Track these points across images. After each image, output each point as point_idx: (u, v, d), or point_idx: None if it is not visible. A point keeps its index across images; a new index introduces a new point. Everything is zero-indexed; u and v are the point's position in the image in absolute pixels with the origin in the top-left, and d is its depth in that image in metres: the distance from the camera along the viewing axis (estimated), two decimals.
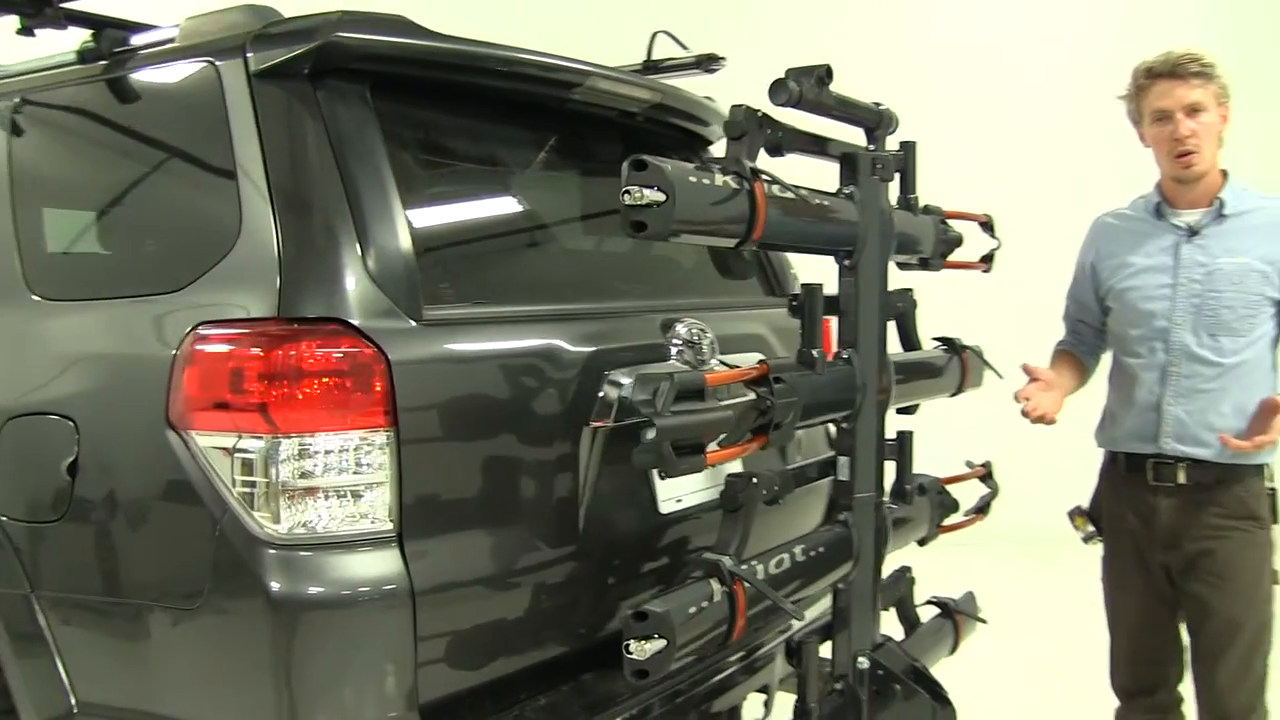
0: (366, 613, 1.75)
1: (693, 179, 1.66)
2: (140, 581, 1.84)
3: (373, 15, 2.00)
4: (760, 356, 2.48)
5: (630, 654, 1.61)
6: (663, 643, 1.61)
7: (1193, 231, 2.46)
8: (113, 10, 2.42)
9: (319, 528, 1.73)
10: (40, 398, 1.97)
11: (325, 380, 1.73)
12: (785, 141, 1.99)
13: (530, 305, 2.14)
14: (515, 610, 1.98)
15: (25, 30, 2.36)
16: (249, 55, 1.96)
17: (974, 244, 2.70)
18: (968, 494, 2.79)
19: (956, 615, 2.64)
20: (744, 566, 1.83)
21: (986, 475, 2.77)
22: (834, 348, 2.76)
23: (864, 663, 2.16)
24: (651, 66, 2.90)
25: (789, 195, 1.88)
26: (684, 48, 2.93)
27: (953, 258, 2.63)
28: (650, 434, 1.57)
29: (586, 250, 2.57)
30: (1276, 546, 2.47)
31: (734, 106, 1.89)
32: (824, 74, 1.95)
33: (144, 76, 2.20)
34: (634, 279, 2.55)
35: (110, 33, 2.31)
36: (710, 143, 2.92)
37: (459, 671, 1.88)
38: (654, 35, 2.92)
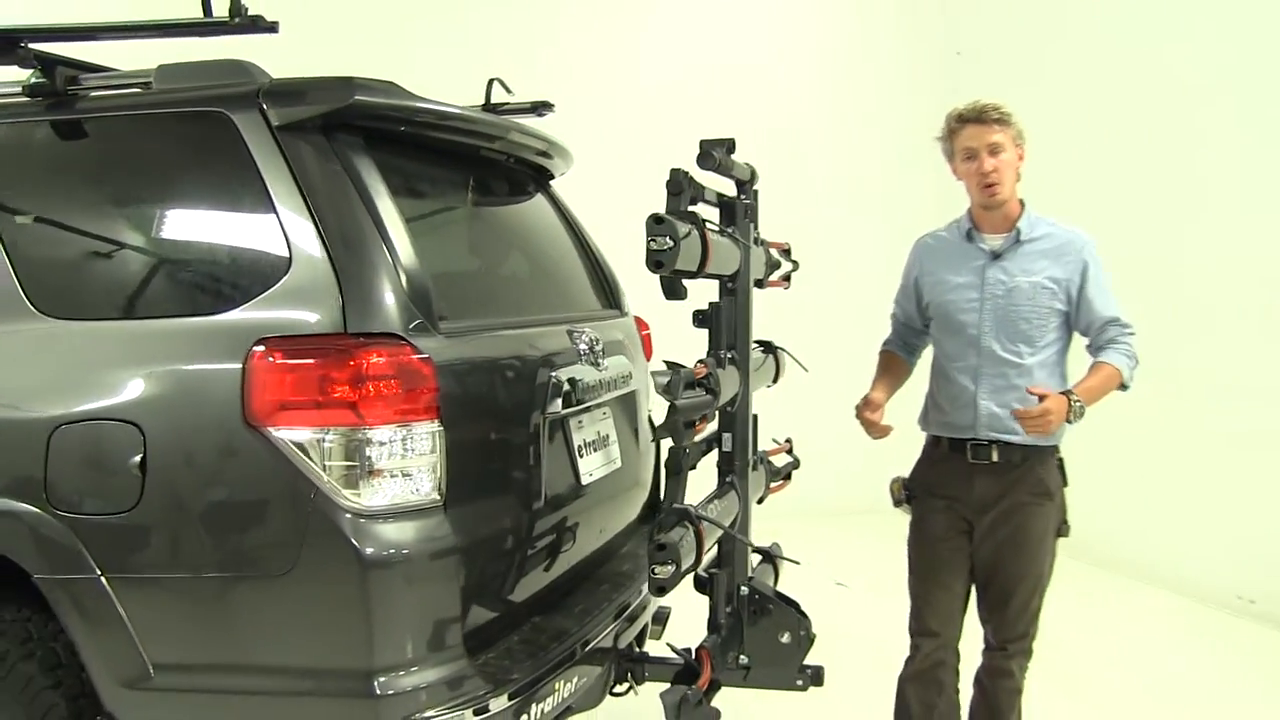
0: (430, 565, 2.29)
1: (683, 230, 2.37)
2: (220, 555, 2.25)
3: (374, 81, 2.51)
4: (621, 357, 3.25)
5: (655, 575, 2.31)
6: (673, 566, 2.31)
7: (996, 254, 3.04)
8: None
9: (392, 500, 2.25)
10: (95, 406, 2.30)
11: (395, 381, 2.25)
12: (698, 194, 2.73)
13: (493, 318, 2.74)
14: (508, 561, 2.59)
15: None
16: (267, 109, 2.41)
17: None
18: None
19: (776, 560, 3.48)
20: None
21: (789, 449, 3.64)
22: (653, 354, 3.58)
23: (745, 590, 2.94)
24: (491, 109, 3.47)
25: (717, 237, 2.63)
26: (510, 92, 3.54)
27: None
28: (673, 413, 2.26)
29: (510, 271, 3.18)
30: (1068, 504, 3.12)
31: (674, 169, 2.61)
32: (730, 145, 2.72)
33: (129, 118, 2.58)
34: (540, 295, 3.19)
35: (64, 70, 2.64)
36: (554, 175, 3.58)
37: (478, 612, 2.46)
38: (490, 82, 3.49)
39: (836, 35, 7.71)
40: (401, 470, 2.28)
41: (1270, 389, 5.26)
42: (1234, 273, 5.51)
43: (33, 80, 2.66)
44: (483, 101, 3.43)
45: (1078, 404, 2.90)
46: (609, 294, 3.60)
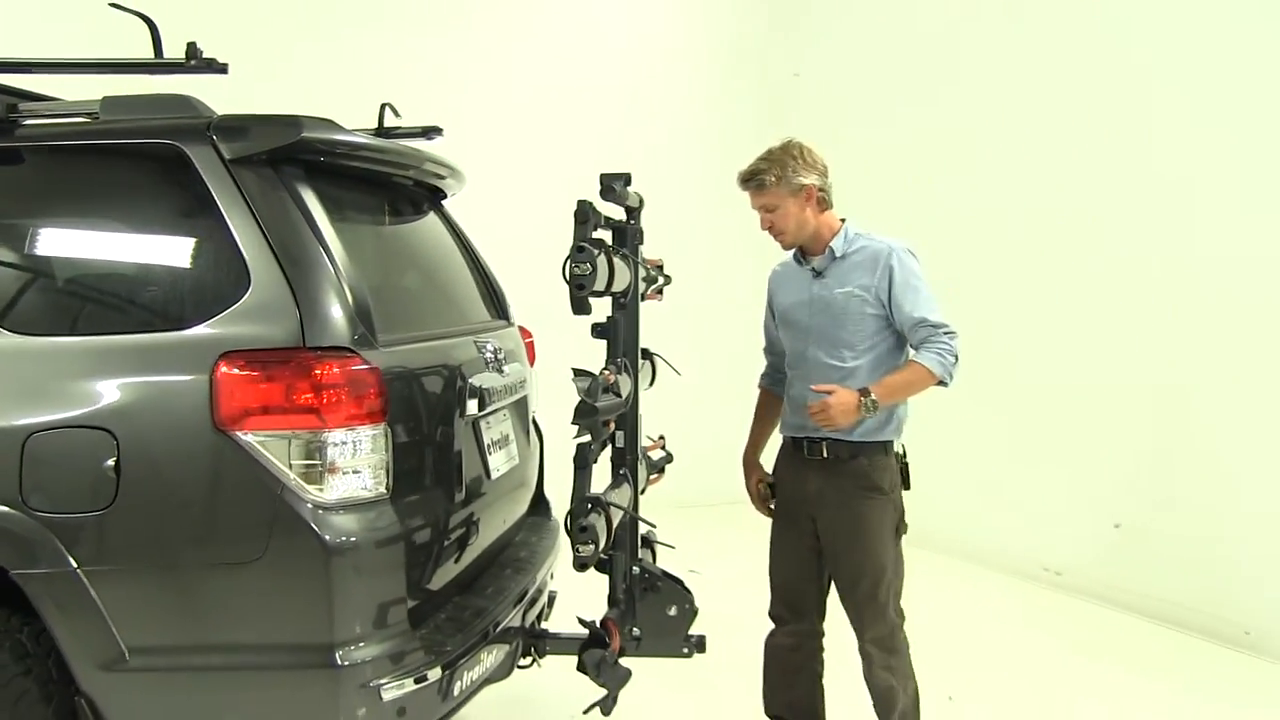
0: (380, 551, 2.68)
1: (602, 256, 2.83)
2: (194, 546, 2.59)
3: (317, 118, 2.88)
4: (518, 364, 3.70)
5: (579, 553, 2.77)
6: (593, 545, 2.78)
7: (818, 272, 3.41)
8: None
9: (348, 494, 2.64)
10: (67, 415, 2.60)
11: (349, 389, 2.64)
12: (598, 222, 3.20)
13: (415, 331, 3.13)
14: (438, 547, 3.00)
15: None
16: (219, 143, 2.76)
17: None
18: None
19: (653, 544, 3.99)
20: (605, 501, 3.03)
21: (663, 445, 4.14)
22: (536, 359, 4.05)
23: (635, 570, 3.43)
24: (384, 133, 3.83)
25: (618, 261, 3.11)
26: (399, 116, 3.93)
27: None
28: (593, 413, 2.73)
29: (420, 286, 3.57)
30: (904, 505, 3.43)
31: (581, 201, 3.07)
32: (627, 179, 3.21)
33: (86, 147, 2.88)
34: (446, 308, 3.60)
35: (3, 98, 2.92)
36: (446, 195, 3.99)
37: (416, 591, 2.86)
38: (382, 107, 3.87)
39: (683, 60, 8.36)
40: (356, 467, 2.66)
41: (1068, 384, 6.12)
42: (1034, 271, 6.34)
43: None
44: (375, 125, 3.81)
45: (868, 399, 3.21)
46: (498, 305, 4.04)
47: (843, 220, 3.49)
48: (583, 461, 3.08)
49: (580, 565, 2.83)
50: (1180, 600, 5.52)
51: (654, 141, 7.83)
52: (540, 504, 4.12)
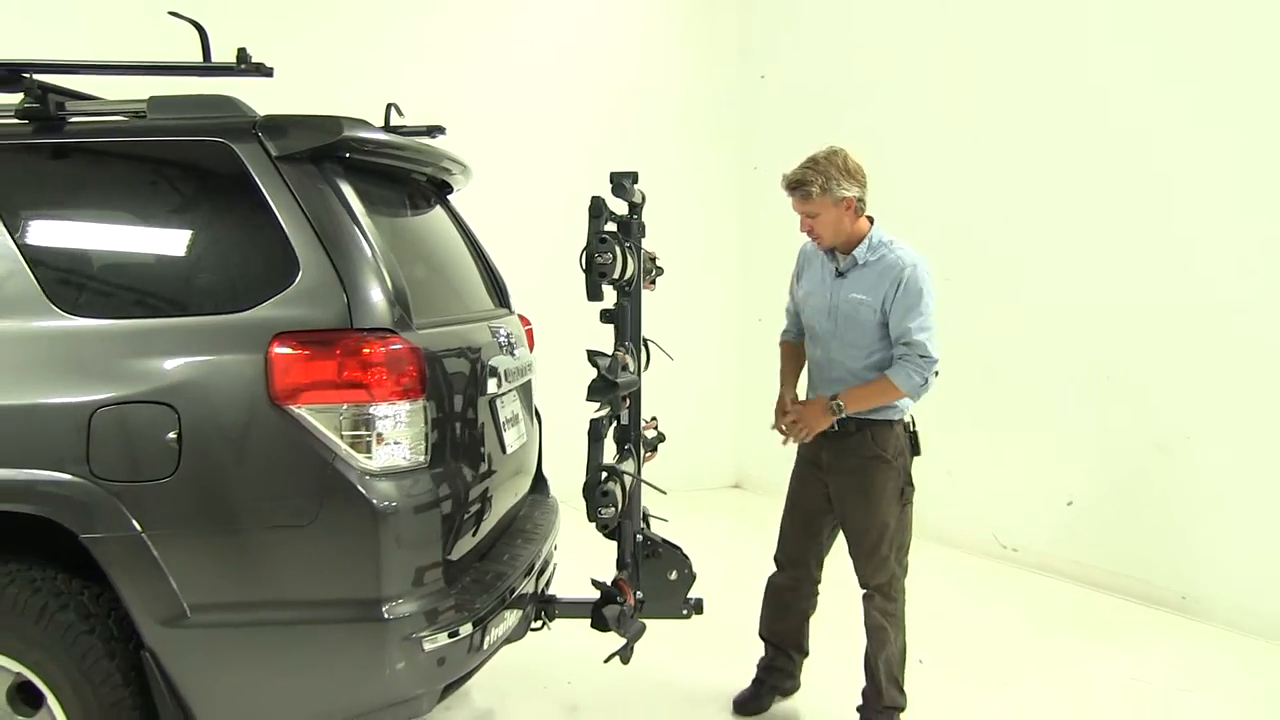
0: (422, 514, 2.94)
1: (616, 247, 3.11)
2: (251, 511, 2.82)
3: (354, 118, 3.12)
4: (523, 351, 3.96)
5: (601, 515, 3.05)
6: (614, 509, 3.06)
7: (840, 273, 3.74)
8: None
9: (392, 462, 2.89)
10: (131, 391, 2.82)
11: (394, 367, 2.89)
12: (607, 217, 3.47)
13: (439, 315, 3.39)
14: (466, 513, 3.25)
15: None
16: (265, 141, 2.99)
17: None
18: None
19: (648, 518, 4.27)
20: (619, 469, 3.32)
21: (655, 426, 4.42)
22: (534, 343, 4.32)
23: (640, 536, 3.71)
24: (390, 131, 4.07)
25: (628, 251, 3.39)
26: (402, 115, 4.17)
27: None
28: (614, 389, 3.00)
29: (437, 275, 3.82)
30: (912, 470, 3.78)
31: (594, 197, 3.34)
32: (634, 177, 3.48)
33: (141, 144, 3.10)
34: (459, 296, 3.85)
35: (54, 96, 3.13)
36: (453, 189, 4.24)
37: (450, 554, 3.11)
38: (388, 107, 4.12)
39: (656, 64, 8.64)
40: (399, 438, 2.92)
41: (1022, 370, 6.48)
42: (989, 262, 6.69)
43: (24, 105, 3.13)
44: (381, 124, 4.05)
45: (834, 403, 3.67)
46: (500, 294, 4.30)
47: (871, 219, 3.77)
48: (597, 434, 3.36)
49: (603, 527, 3.11)
50: (1125, 571, 5.92)
51: (628, 142, 8.12)
52: (541, 482, 4.39)
